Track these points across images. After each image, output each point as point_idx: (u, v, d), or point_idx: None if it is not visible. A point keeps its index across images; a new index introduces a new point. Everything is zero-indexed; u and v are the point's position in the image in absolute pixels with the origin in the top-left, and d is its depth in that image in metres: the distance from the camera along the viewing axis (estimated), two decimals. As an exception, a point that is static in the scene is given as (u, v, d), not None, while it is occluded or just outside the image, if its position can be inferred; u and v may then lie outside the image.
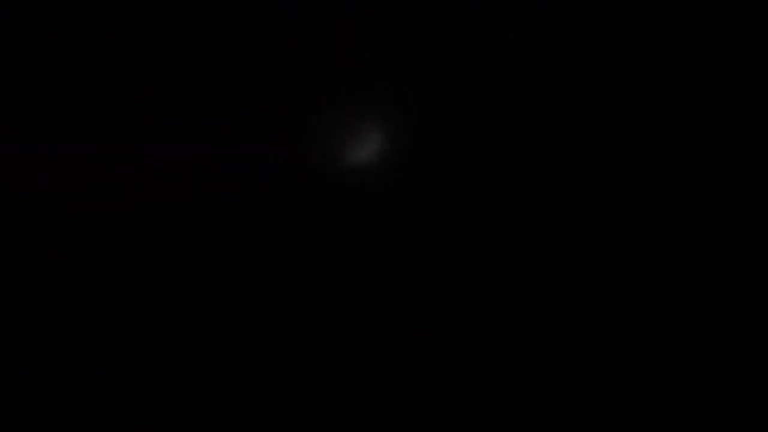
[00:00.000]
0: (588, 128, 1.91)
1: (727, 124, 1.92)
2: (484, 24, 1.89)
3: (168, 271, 1.86)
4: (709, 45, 1.92)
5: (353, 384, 1.87)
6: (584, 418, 1.87)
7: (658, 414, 1.87)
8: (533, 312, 1.89)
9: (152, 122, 1.86)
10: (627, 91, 1.91)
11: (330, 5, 1.85)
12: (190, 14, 1.86)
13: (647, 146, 1.91)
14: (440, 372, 1.88)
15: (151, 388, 1.84)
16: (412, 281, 1.88)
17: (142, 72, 1.86)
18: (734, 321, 1.89)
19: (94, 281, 1.84)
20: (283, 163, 1.85)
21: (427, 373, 1.88)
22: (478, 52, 1.90)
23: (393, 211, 1.87)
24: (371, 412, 1.86)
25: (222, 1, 1.86)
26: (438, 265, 1.88)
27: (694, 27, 1.92)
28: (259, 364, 1.86)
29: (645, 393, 1.88)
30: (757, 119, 1.91)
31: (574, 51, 1.91)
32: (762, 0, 1.90)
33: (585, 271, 1.90)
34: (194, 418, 1.84)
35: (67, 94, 1.85)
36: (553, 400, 1.88)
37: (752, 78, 1.91)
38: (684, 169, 1.91)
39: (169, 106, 1.86)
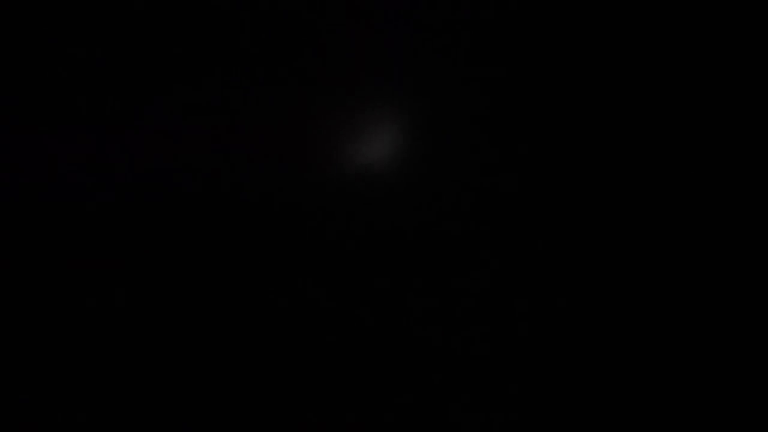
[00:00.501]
0: (594, 129, 1.91)
1: (727, 124, 1.92)
2: (491, 23, 1.89)
3: (168, 271, 1.86)
4: (709, 45, 1.92)
5: (353, 384, 1.87)
6: (584, 418, 1.88)
7: (658, 414, 1.88)
8: (536, 313, 1.89)
9: (152, 122, 1.85)
10: (649, 93, 1.91)
11: (340, 3, 1.84)
12: (190, 14, 1.86)
13: (676, 154, 1.91)
14: (440, 372, 1.88)
15: (151, 388, 1.84)
16: (417, 283, 1.88)
17: (143, 72, 1.86)
18: (734, 321, 1.89)
19: (94, 281, 1.84)
20: (288, 167, 1.85)
21: (428, 373, 1.88)
22: (486, 52, 1.90)
23: (400, 214, 1.87)
24: (372, 412, 1.86)
25: (222, 1, 1.86)
26: (444, 267, 1.88)
27: (695, 27, 1.92)
28: (259, 364, 1.86)
29: (645, 393, 1.88)
30: (757, 119, 1.92)
31: (576, 51, 1.92)
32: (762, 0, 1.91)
33: (596, 274, 1.90)
34: (194, 418, 1.84)
35: (67, 94, 1.85)
36: (553, 400, 1.88)
37: (752, 78, 1.92)
38: (684, 169, 1.92)
39: (169, 106, 1.86)
